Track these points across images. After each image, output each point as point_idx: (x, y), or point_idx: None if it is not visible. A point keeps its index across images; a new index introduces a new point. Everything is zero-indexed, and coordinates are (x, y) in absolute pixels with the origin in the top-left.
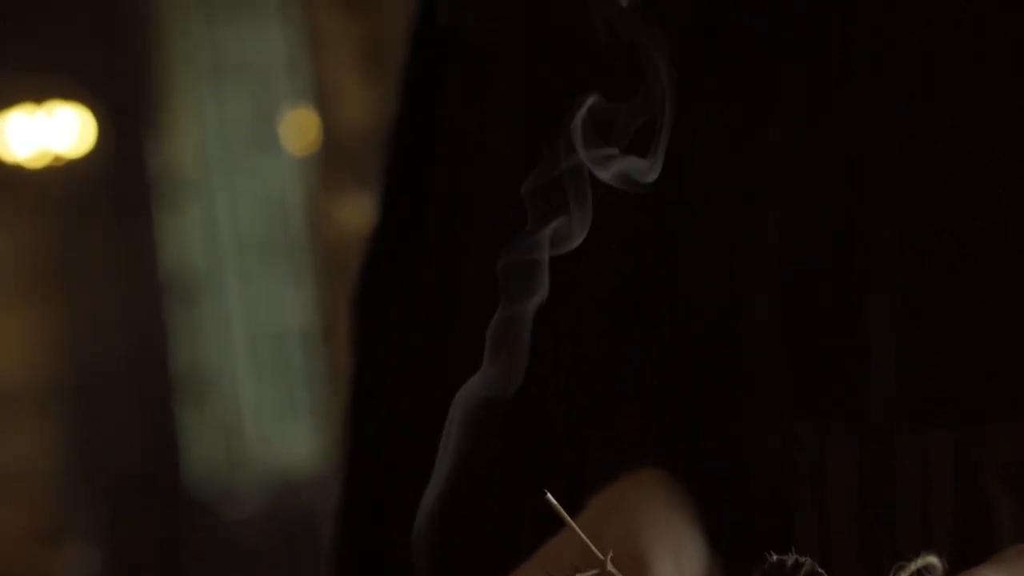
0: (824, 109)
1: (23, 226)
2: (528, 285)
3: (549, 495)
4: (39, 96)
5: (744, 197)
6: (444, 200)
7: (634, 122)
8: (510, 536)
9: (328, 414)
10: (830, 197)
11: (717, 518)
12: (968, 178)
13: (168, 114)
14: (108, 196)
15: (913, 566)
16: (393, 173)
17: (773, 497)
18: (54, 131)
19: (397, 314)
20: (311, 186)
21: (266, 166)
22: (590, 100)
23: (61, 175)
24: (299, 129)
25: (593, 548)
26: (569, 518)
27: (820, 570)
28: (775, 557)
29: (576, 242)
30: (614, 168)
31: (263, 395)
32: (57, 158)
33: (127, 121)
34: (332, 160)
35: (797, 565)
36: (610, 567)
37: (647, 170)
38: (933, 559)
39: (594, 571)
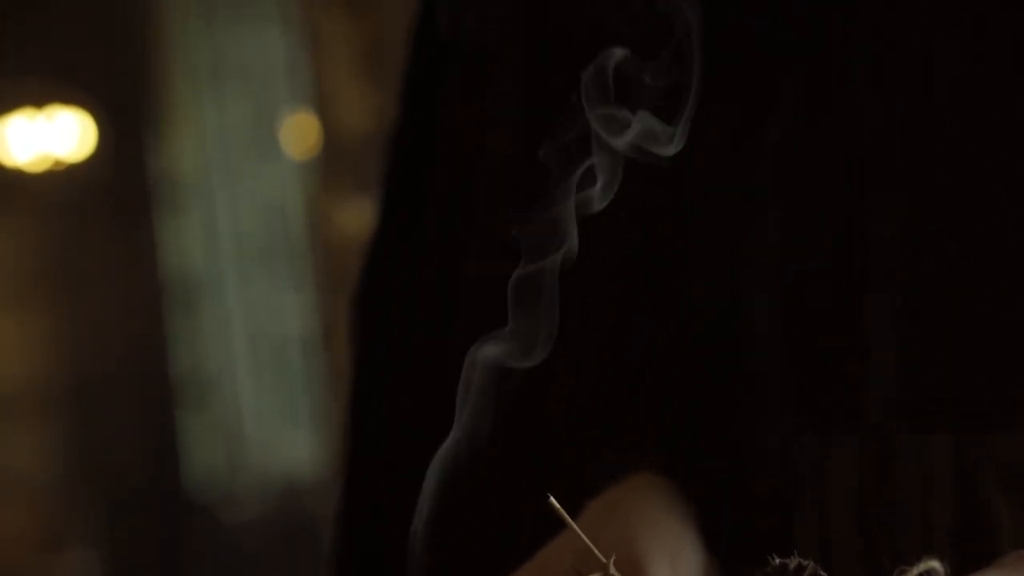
0: (824, 109)
1: (23, 230)
2: (552, 241)
3: (552, 498)
4: (39, 100)
5: (744, 197)
6: (444, 200)
7: (659, 84)
8: (510, 536)
9: (328, 418)
10: (830, 197)
11: (716, 521)
12: (968, 178)
13: (168, 118)
14: (108, 200)
15: (915, 570)
16: (393, 174)
17: (773, 498)
18: (54, 135)
19: (397, 314)
20: (311, 190)
21: (266, 170)
22: (619, 54)
23: (61, 179)
24: (299, 133)
25: (596, 551)
26: (572, 521)
27: (822, 573)
28: (777, 560)
29: (601, 203)
30: (634, 132)
31: (263, 398)
32: (57, 162)
33: (127, 125)
34: (332, 164)
35: (800, 568)
36: (612, 570)
37: (670, 138)
38: (935, 563)
39: (596, 574)
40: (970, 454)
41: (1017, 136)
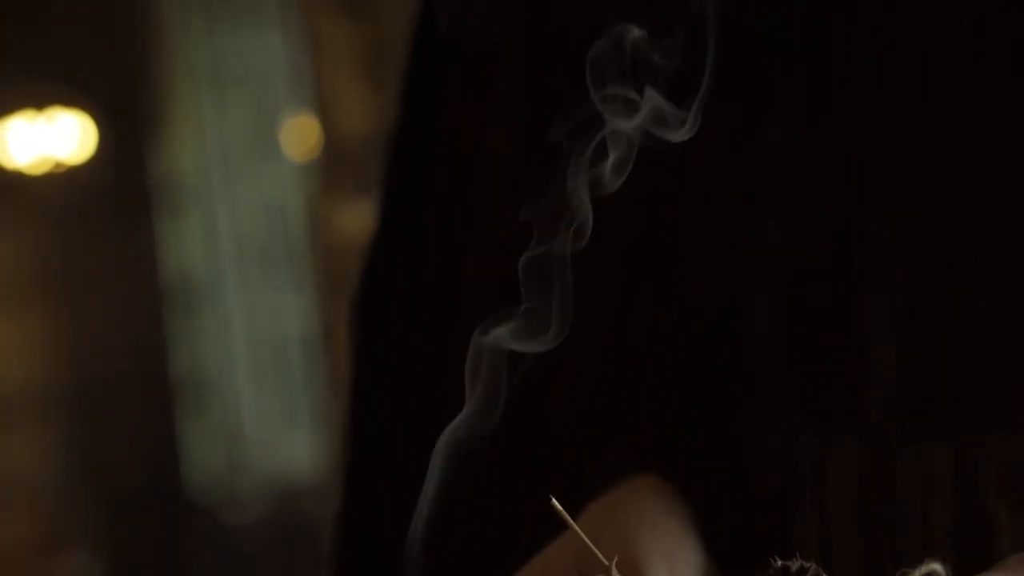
0: (824, 109)
1: (23, 232)
2: (563, 219)
3: (554, 500)
4: (40, 102)
5: (744, 197)
6: (444, 200)
7: (671, 63)
8: (509, 537)
9: (328, 419)
10: (830, 197)
11: (715, 523)
12: (968, 178)
13: (169, 120)
14: (109, 202)
15: (916, 573)
16: (393, 175)
17: (773, 498)
18: (55, 137)
19: (397, 315)
20: (311, 193)
21: (266, 172)
22: (633, 32)
23: (62, 182)
24: (299, 136)
25: (599, 554)
26: (574, 524)
27: (824, 574)
28: (780, 562)
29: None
30: (645, 113)
31: (263, 400)
32: (58, 164)
33: (128, 127)
34: (332, 167)
35: (802, 570)
36: (615, 572)
37: (682, 122)
38: (936, 566)
39: None
40: (970, 454)
41: (1017, 136)
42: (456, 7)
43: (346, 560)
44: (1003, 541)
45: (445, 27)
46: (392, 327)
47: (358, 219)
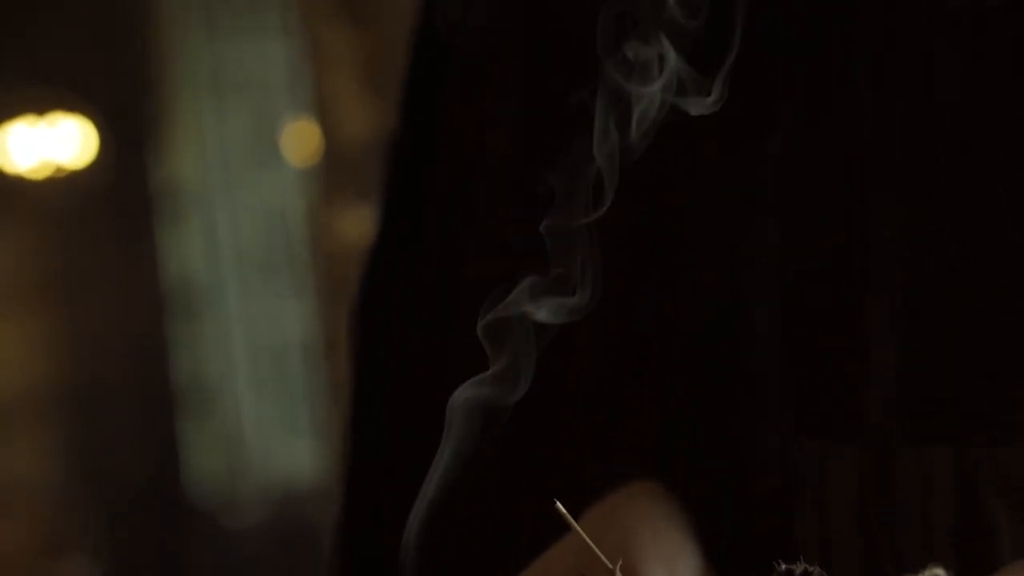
0: (824, 109)
1: (24, 237)
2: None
3: (558, 504)
4: (41, 107)
5: (744, 198)
6: (444, 201)
7: (696, 24)
8: (509, 538)
9: (328, 425)
10: (830, 198)
11: (715, 523)
12: (968, 178)
13: (170, 126)
14: (109, 207)
15: None
16: (394, 179)
17: (773, 499)
18: (56, 143)
19: (397, 317)
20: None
21: (267, 178)
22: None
23: (63, 187)
24: (300, 141)
25: (602, 557)
26: (577, 526)
27: None
28: (783, 566)
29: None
30: (668, 77)
31: (264, 405)
32: (59, 169)
33: (129, 133)
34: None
35: (806, 574)
36: (619, 575)
37: (707, 93)
38: (939, 570)
39: None
40: (970, 455)
41: (1017, 136)
42: (456, 8)
43: (346, 565)
44: (1003, 542)
45: (445, 28)
46: (392, 333)
47: (359, 225)
